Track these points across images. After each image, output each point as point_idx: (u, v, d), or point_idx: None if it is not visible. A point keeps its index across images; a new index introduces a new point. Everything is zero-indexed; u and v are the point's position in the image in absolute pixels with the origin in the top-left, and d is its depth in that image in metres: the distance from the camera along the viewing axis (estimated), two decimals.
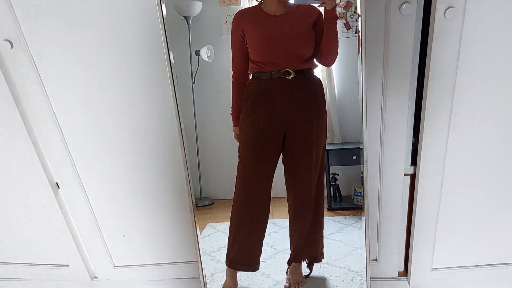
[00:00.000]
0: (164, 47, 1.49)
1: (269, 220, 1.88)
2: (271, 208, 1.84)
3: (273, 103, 1.65)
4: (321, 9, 1.62)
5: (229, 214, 2.22)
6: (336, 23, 1.63)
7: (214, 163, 2.12)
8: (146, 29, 1.57)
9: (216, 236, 2.16)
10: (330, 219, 2.21)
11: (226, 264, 1.88)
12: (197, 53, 1.98)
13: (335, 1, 1.58)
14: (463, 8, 1.36)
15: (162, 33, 1.47)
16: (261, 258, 1.90)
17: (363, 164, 1.56)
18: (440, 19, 1.38)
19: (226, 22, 1.92)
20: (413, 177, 1.66)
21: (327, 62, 1.72)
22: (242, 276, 1.94)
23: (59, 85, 1.68)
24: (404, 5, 1.40)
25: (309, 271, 1.92)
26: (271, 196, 1.82)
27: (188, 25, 1.89)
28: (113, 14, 1.55)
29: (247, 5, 1.75)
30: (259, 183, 1.76)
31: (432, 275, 1.76)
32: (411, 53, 1.48)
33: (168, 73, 1.53)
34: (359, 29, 1.42)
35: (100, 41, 1.60)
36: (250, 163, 1.74)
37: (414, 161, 1.64)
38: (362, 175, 1.61)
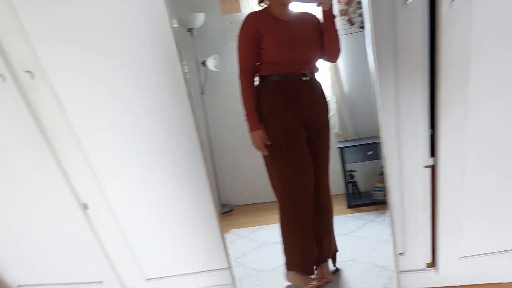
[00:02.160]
0: (179, 62, 1.53)
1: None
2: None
3: (296, 104, 1.67)
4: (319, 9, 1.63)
5: (248, 220, 2.24)
6: (334, 22, 1.65)
7: (230, 170, 2.14)
8: (158, 46, 1.59)
9: (239, 242, 2.18)
10: (351, 217, 2.22)
11: (296, 270, 1.87)
12: (204, 63, 1.99)
13: (331, 2, 1.60)
14: None
15: (174, 48, 1.50)
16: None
17: (383, 160, 1.57)
18: (447, 10, 1.38)
19: (230, 30, 1.93)
20: (433, 168, 1.66)
21: (333, 58, 1.75)
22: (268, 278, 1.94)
23: (80, 108, 1.72)
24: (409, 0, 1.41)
25: (335, 268, 1.95)
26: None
27: (193, 37, 1.90)
28: (127, 36, 1.59)
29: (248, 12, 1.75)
30: (308, 181, 1.76)
31: (461, 263, 1.75)
32: (420, 46, 1.48)
33: (184, 86, 1.58)
34: (367, 26, 1.44)
35: (116, 63, 1.63)
36: (293, 163, 1.73)
37: (433, 152, 1.64)
38: (382, 170, 1.62)
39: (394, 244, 1.66)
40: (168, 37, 1.53)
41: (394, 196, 1.68)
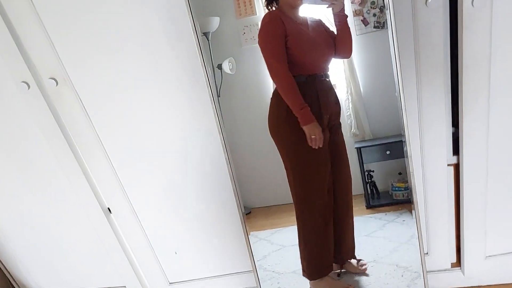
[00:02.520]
0: (201, 66, 1.55)
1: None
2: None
3: (321, 104, 1.67)
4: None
5: (267, 222, 2.23)
6: (346, 21, 1.64)
7: (247, 172, 2.13)
8: (180, 47, 1.61)
9: (259, 245, 2.17)
10: (371, 217, 2.20)
11: (318, 276, 1.87)
12: (219, 67, 1.99)
13: (343, 3, 1.59)
14: None
15: (198, 52, 1.52)
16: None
17: (407, 158, 1.56)
18: (468, 8, 1.38)
19: (244, 33, 1.93)
20: (456, 167, 1.65)
21: (346, 55, 1.74)
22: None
23: (103, 113, 1.74)
24: None
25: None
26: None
27: (208, 40, 1.90)
28: (150, 43, 1.60)
29: (263, 15, 1.75)
30: (326, 184, 1.76)
31: (487, 263, 1.74)
32: (442, 44, 1.48)
33: (207, 89, 1.58)
34: (389, 25, 1.43)
35: (138, 67, 1.65)
36: (317, 165, 1.73)
37: (456, 150, 1.63)
38: (401, 171, 1.61)
39: (420, 244, 1.64)
40: (190, 42, 1.54)
41: (417, 196, 1.67)
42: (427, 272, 1.73)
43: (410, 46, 1.50)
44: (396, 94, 1.50)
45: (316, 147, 1.65)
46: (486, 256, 1.73)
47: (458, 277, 1.78)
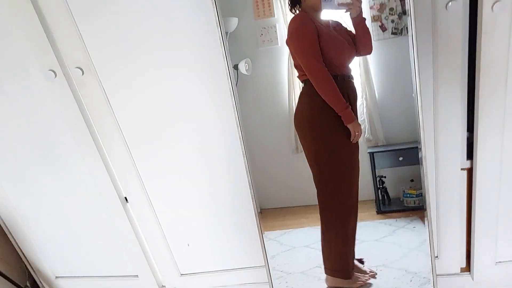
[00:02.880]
0: (224, 64, 1.58)
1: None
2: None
3: (353, 102, 1.69)
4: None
5: (277, 223, 2.23)
6: (364, 24, 1.65)
7: (260, 173, 2.14)
8: (202, 46, 1.64)
9: (268, 245, 2.17)
10: (381, 223, 2.19)
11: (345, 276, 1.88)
12: (236, 67, 2.02)
13: (360, 8, 1.60)
14: (510, 1, 1.37)
15: (222, 50, 1.54)
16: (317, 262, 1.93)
17: (421, 160, 1.56)
18: (488, 13, 1.39)
19: (262, 34, 1.95)
20: (470, 171, 1.65)
21: (368, 51, 1.73)
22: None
23: (126, 105, 1.78)
24: (450, 3, 1.42)
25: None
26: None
27: (226, 41, 1.92)
28: (172, 36, 1.63)
29: (281, 17, 1.77)
30: (356, 182, 1.78)
31: (497, 268, 1.73)
32: (460, 48, 1.49)
33: (228, 87, 1.60)
34: (409, 28, 1.44)
35: (161, 62, 1.68)
36: (351, 167, 1.75)
37: (470, 155, 1.63)
38: (413, 178, 1.61)
39: (431, 246, 1.65)
40: (215, 41, 1.58)
41: (429, 198, 1.68)
42: (437, 275, 1.73)
43: (428, 50, 1.52)
44: (413, 95, 1.51)
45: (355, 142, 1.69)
46: (496, 262, 1.73)
47: (467, 282, 1.78)
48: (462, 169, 1.65)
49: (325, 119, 1.67)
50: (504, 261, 1.73)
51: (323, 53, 1.62)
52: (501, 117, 1.53)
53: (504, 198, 1.64)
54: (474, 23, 1.46)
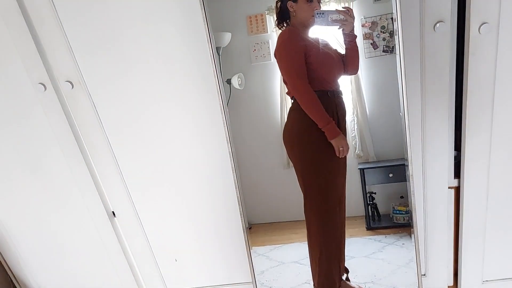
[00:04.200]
0: (215, 79, 1.58)
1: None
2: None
3: (341, 117, 1.70)
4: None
5: (267, 238, 2.23)
6: (355, 43, 1.67)
7: (250, 188, 2.14)
8: (193, 61, 1.65)
9: (257, 260, 2.16)
10: (370, 239, 2.19)
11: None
12: (229, 81, 2.02)
13: (353, 24, 1.62)
14: (497, 23, 1.40)
15: (212, 66, 1.56)
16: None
17: (408, 179, 1.58)
18: (475, 35, 1.42)
19: (255, 50, 1.96)
20: (457, 190, 1.67)
21: (354, 71, 1.76)
22: None
23: (115, 118, 1.78)
24: (438, 24, 1.44)
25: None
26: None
27: (219, 55, 1.93)
28: (163, 52, 1.64)
29: (275, 33, 1.78)
30: (341, 196, 1.78)
31: (484, 287, 1.74)
32: (447, 69, 1.51)
33: (218, 103, 1.61)
34: (397, 48, 1.46)
35: (151, 76, 1.69)
36: (334, 179, 1.75)
37: (457, 173, 1.65)
38: (403, 194, 1.62)
39: (418, 265, 1.65)
40: (205, 56, 1.59)
41: (417, 216, 1.69)
42: None
43: (416, 69, 1.54)
44: (400, 114, 1.53)
45: (342, 157, 1.69)
46: (483, 281, 1.73)
47: None
48: (449, 187, 1.66)
49: (312, 135, 1.68)
50: (490, 280, 1.74)
51: (313, 68, 1.63)
52: (488, 136, 1.55)
53: (491, 217, 1.65)
54: (462, 44, 1.48)
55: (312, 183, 1.77)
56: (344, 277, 1.93)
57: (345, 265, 1.93)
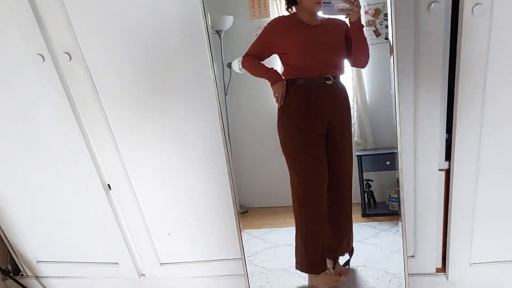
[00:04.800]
0: (210, 63, 1.60)
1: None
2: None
3: (319, 107, 1.72)
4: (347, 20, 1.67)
5: (263, 222, 2.25)
6: (362, 31, 1.68)
7: (248, 172, 2.15)
8: (190, 40, 1.67)
9: (252, 242, 2.19)
10: (365, 225, 2.21)
11: (307, 271, 1.93)
12: (229, 65, 2.04)
13: (359, 13, 1.63)
14: (490, 4, 1.40)
15: (206, 50, 1.57)
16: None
17: (398, 170, 1.59)
18: (468, 16, 1.41)
19: (256, 34, 1.97)
20: (447, 172, 1.67)
21: (361, 65, 1.78)
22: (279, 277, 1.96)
23: (112, 92, 1.79)
24: (432, 5, 1.44)
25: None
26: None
27: (220, 39, 1.94)
28: (160, 27, 1.65)
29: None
30: (321, 184, 1.80)
31: (471, 270, 1.75)
32: (441, 50, 1.51)
33: (213, 86, 1.63)
34: (389, 29, 1.47)
35: (148, 51, 1.70)
36: (309, 166, 1.79)
37: (448, 156, 1.65)
38: (397, 180, 1.63)
39: (404, 247, 1.66)
40: (201, 38, 1.59)
41: (407, 197, 1.70)
42: (409, 275, 1.74)
43: (410, 51, 1.54)
44: (391, 92, 1.54)
45: (279, 106, 1.73)
46: (471, 263, 1.74)
47: (442, 282, 1.79)
48: (440, 169, 1.67)
49: (287, 124, 1.75)
50: (478, 263, 1.74)
51: (289, 56, 1.70)
52: (479, 119, 1.55)
53: (480, 200, 1.66)
54: (456, 26, 1.48)
55: (294, 164, 1.82)
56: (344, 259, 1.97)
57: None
